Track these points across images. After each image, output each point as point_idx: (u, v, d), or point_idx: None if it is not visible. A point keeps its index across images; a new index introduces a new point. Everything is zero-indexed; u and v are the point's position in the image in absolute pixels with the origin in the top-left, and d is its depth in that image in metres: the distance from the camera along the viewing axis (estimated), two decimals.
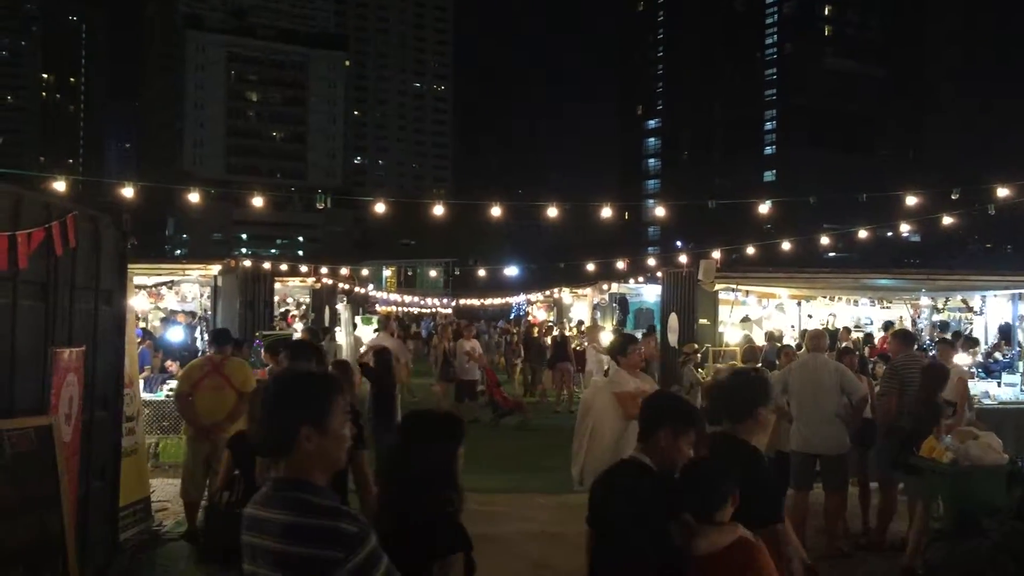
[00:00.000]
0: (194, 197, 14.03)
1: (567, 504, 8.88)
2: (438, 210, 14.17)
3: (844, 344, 13.00)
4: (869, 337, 15.36)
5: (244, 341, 10.03)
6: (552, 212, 14.55)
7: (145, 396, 9.58)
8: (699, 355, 12.05)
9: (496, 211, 14.15)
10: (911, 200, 13.12)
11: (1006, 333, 12.00)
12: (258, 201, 16.42)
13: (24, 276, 5.26)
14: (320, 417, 2.35)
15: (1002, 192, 12.12)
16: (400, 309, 42.42)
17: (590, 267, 22.60)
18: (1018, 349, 12.84)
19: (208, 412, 7.58)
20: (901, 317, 16.41)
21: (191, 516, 7.55)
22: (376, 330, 17.80)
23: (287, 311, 20.79)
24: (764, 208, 15.46)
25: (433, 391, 16.05)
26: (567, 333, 21.31)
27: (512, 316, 37.53)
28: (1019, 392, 10.90)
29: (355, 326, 22.50)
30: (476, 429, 15.21)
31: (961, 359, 12.06)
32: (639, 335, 15.89)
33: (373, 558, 2.29)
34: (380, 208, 15.36)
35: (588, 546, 3.55)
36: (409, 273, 69.50)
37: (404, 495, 2.92)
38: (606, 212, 14.89)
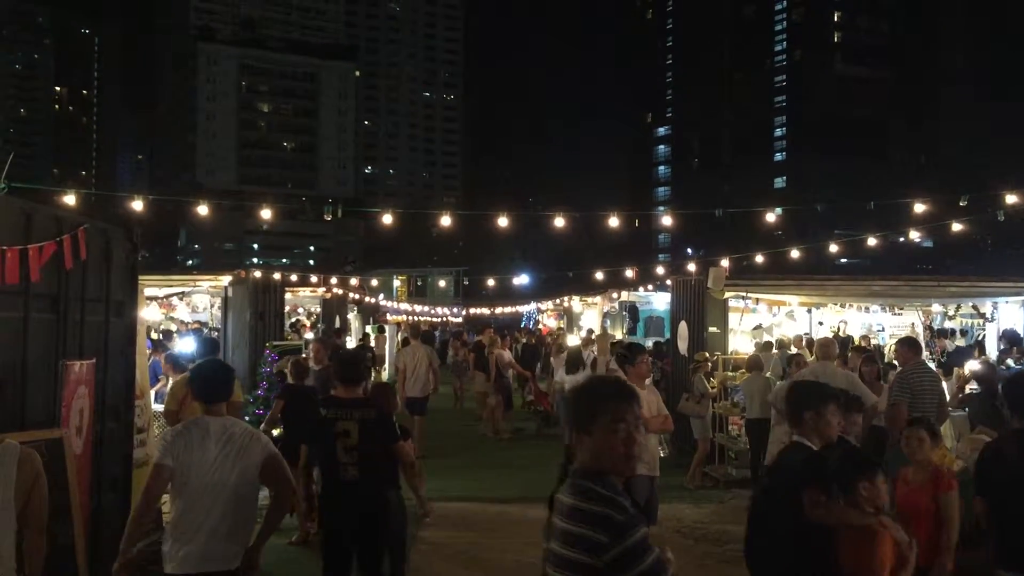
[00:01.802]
0: (204, 209, 14.09)
1: None
2: (447, 220, 14.21)
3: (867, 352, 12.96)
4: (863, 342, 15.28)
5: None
6: (561, 222, 14.57)
7: (156, 407, 9.61)
8: (710, 364, 12.01)
9: (504, 221, 14.17)
10: (920, 207, 13.07)
11: (1013, 339, 11.91)
12: (268, 212, 16.45)
13: (35, 289, 5.30)
14: (584, 423, 2.66)
15: (1012, 198, 12.05)
16: (413, 318, 42.44)
17: (599, 275, 22.58)
18: None
19: None
20: (913, 324, 16.35)
21: None
22: (405, 339, 17.83)
23: (297, 321, 20.86)
24: (772, 216, 15.43)
25: (489, 403, 16.05)
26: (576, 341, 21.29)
27: (523, 325, 37.47)
28: None
29: (366, 335, 22.61)
30: (483, 439, 15.26)
31: (972, 365, 12.00)
32: (649, 343, 15.90)
33: (638, 548, 2.49)
34: (389, 219, 15.41)
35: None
36: (419, 283, 69.55)
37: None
38: (615, 221, 14.90)
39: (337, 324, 19.80)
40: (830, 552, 3.70)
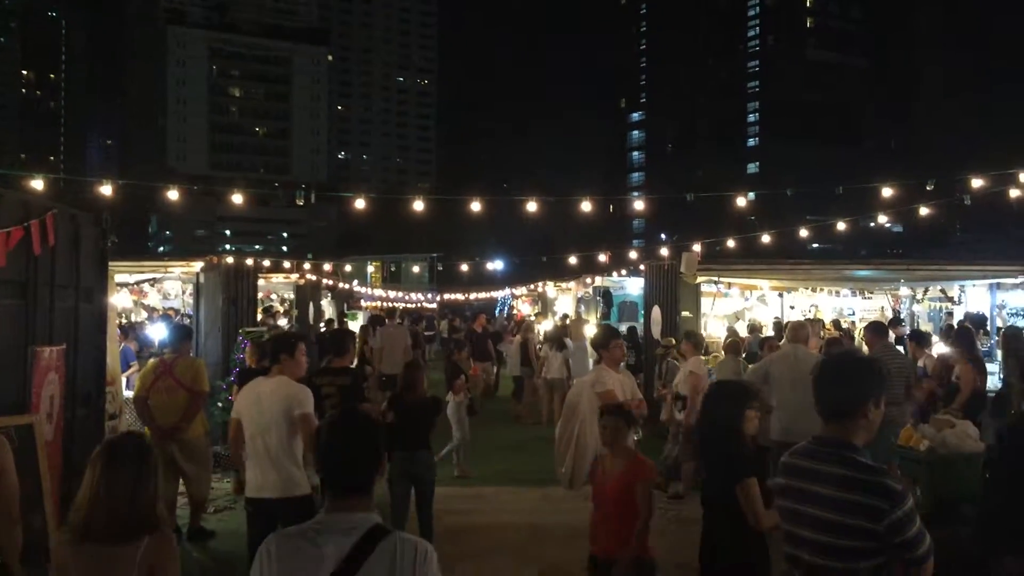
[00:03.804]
0: (175, 194, 13.97)
1: (552, 496, 8.95)
2: (420, 205, 14.18)
3: (830, 336, 13.11)
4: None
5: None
6: (534, 207, 14.57)
7: (127, 393, 9.56)
8: (676, 349, 12.07)
9: (478, 206, 14.16)
10: (888, 191, 13.20)
11: (977, 323, 12.10)
12: (240, 197, 16.31)
13: (3, 275, 5.26)
14: (880, 396, 2.91)
15: (978, 183, 12.20)
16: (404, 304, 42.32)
17: (573, 260, 22.63)
18: (995, 339, 12.96)
19: (163, 414, 7.47)
20: (882, 308, 16.54)
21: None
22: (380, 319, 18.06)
23: (271, 307, 20.76)
24: (743, 201, 15.52)
25: (536, 384, 16.07)
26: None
27: (497, 311, 37.47)
28: (997, 381, 10.99)
29: (330, 320, 22.64)
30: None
31: (940, 348, 12.17)
32: (623, 328, 15.97)
33: (912, 514, 2.74)
34: (361, 204, 15.34)
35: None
36: (393, 268, 69.28)
37: (712, 438, 4.51)
38: (589, 206, 14.92)
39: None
40: None
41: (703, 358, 12.00)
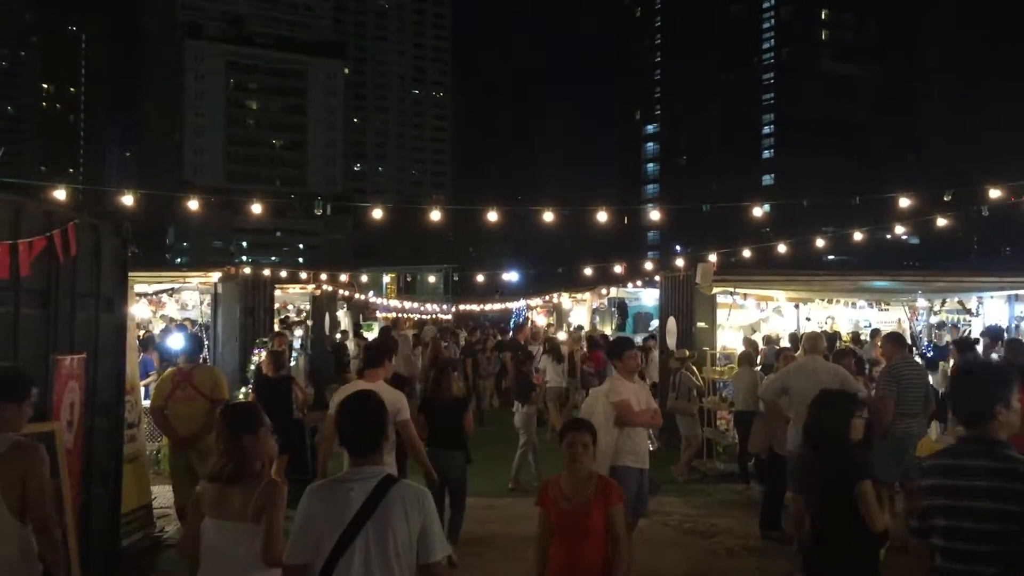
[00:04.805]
0: (193, 204, 14.06)
1: None
2: (436, 216, 14.23)
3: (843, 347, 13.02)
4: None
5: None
6: (550, 217, 14.60)
7: (146, 403, 9.62)
8: (690, 361, 12.03)
9: (494, 216, 14.19)
10: (905, 202, 13.15)
11: (995, 335, 11.98)
12: (257, 208, 16.41)
13: (26, 284, 5.32)
14: (1010, 398, 3.20)
15: (996, 193, 12.13)
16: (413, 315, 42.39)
17: (588, 271, 22.64)
18: None
19: (183, 423, 7.48)
20: (899, 319, 16.43)
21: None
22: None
23: (287, 317, 20.84)
24: (759, 212, 15.50)
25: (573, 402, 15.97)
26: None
27: (512, 322, 37.45)
28: None
29: (344, 332, 22.74)
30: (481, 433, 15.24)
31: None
32: (638, 339, 15.93)
33: None
34: (378, 214, 15.40)
35: None
36: (409, 279, 69.41)
37: (824, 445, 4.60)
38: (604, 217, 14.93)
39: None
40: None
41: (736, 368, 11.91)
